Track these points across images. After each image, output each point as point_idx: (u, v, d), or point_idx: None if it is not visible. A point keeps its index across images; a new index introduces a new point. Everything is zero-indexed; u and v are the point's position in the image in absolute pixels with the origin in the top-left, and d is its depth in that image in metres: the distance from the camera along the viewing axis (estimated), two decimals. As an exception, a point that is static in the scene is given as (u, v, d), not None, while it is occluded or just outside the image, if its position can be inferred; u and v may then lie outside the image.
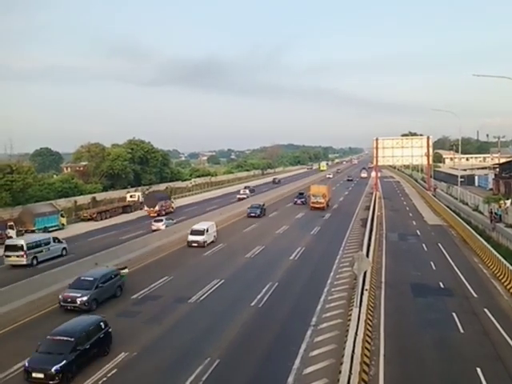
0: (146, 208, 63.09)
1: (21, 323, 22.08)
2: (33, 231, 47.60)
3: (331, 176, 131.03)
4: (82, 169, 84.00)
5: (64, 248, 37.45)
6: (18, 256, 33.30)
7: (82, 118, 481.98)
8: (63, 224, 52.29)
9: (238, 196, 78.02)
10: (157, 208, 61.93)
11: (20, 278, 26.31)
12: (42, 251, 34.84)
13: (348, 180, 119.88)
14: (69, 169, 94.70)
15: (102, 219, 57.74)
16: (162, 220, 49.31)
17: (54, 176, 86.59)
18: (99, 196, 71.75)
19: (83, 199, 67.39)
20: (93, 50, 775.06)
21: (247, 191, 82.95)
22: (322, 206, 62.12)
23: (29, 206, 53.75)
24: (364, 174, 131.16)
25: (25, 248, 33.39)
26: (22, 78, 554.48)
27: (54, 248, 36.39)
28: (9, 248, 33.84)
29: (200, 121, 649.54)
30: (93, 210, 60.83)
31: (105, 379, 16.31)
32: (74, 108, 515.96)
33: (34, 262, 33.94)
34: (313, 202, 62.89)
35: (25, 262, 33.20)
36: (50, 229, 49.47)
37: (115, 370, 16.92)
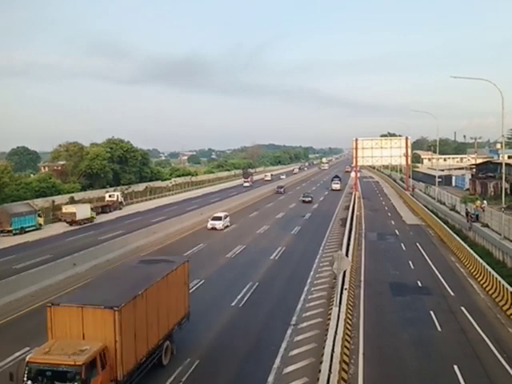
0: (243, 179, 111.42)
1: (-3, 325, 21.55)
2: (9, 231, 46.84)
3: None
4: (59, 168, 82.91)
5: None
6: None
7: (60, 117, 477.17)
8: (40, 224, 51.44)
9: (293, 172, 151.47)
10: (249, 179, 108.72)
11: None
12: None
13: (304, 201, 72.21)
14: (46, 168, 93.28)
15: (80, 219, 56.83)
16: None
17: (31, 175, 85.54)
18: (77, 196, 71.01)
19: (61, 199, 66.49)
20: (70, 48, 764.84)
21: (297, 169, 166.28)
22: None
23: (5, 205, 52.64)
24: (337, 185, 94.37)
25: None
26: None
27: None
28: None
29: (180, 120, 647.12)
30: (71, 209, 59.82)
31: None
32: (52, 106, 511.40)
33: None
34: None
35: None
36: (27, 229, 48.71)
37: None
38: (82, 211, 54.90)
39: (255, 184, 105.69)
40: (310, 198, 72.98)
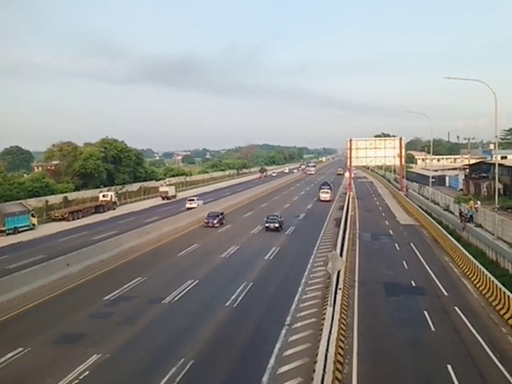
0: (259, 174, 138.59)
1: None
2: (2, 231, 46.56)
3: None
4: (53, 168, 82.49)
5: None
6: None
7: (53, 116, 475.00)
8: (34, 224, 51.17)
9: (301, 168, 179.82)
10: (264, 174, 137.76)
11: None
12: None
13: (268, 228, 46.84)
14: (40, 168, 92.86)
15: (74, 219, 56.78)
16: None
17: (25, 175, 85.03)
18: (71, 196, 70.49)
19: (55, 199, 66.01)
20: (65, 47, 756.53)
21: (303, 166, 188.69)
22: None
23: (-2, 205, 52.45)
24: (326, 195, 75.08)
25: None
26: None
27: None
28: None
29: (175, 120, 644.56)
30: (64, 209, 59.77)
31: (76, 381, 16.00)
32: (46, 106, 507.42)
33: None
34: None
35: None
36: (21, 229, 48.45)
37: (87, 373, 16.60)
38: (171, 191, 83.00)
39: (279, 175, 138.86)
40: (277, 224, 47.19)
